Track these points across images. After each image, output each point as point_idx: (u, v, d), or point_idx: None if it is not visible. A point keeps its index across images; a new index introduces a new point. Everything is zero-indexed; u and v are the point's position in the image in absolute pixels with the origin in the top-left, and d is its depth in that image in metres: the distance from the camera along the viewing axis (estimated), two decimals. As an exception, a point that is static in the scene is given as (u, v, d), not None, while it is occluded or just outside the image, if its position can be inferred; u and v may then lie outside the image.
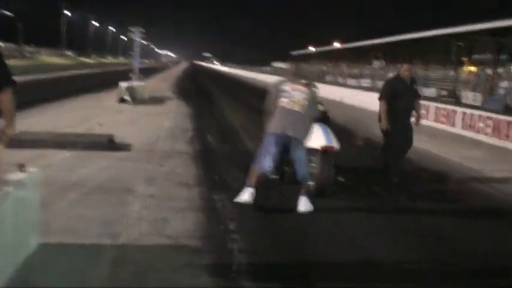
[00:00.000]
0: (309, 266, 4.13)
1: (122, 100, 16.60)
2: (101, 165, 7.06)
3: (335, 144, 6.13)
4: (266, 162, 5.36)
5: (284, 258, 4.26)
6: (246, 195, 5.31)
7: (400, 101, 7.18)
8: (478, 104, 16.52)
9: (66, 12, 78.66)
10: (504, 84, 18.12)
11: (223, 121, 14.41)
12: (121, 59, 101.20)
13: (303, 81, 5.74)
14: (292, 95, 5.48)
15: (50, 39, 79.80)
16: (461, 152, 10.90)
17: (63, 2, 77.10)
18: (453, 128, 14.57)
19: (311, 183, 6.03)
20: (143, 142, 9.30)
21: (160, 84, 32.56)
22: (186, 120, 13.40)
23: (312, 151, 6.13)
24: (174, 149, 8.89)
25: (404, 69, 7.49)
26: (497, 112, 13.31)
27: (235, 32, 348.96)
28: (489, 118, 12.79)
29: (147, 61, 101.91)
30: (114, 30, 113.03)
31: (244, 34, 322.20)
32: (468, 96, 18.14)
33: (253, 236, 4.70)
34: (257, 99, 21.17)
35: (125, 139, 9.26)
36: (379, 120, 7.33)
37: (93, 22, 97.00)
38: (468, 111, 14.17)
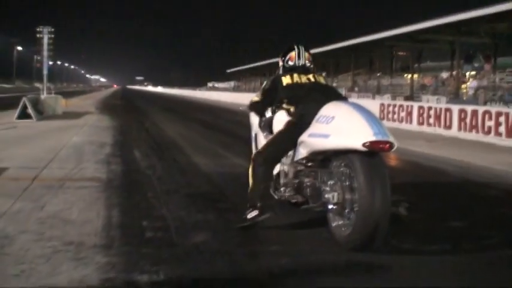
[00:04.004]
0: None
1: (24, 116, 12.68)
2: None
3: (391, 138, 2.95)
4: None
5: None
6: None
7: None
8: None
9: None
10: (472, 83, 16.76)
11: (157, 132, 10.82)
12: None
13: None
14: None
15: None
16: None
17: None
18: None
19: (343, 223, 3.12)
20: (27, 164, 5.87)
21: (84, 101, 28.46)
22: (104, 134, 9.81)
23: (340, 155, 3.11)
24: (76, 174, 5.46)
25: None
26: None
27: (170, 54, 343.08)
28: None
29: (74, 85, 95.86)
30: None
31: (181, 54, 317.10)
32: (429, 99, 17.00)
33: None
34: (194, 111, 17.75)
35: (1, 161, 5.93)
36: None
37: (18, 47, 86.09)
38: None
